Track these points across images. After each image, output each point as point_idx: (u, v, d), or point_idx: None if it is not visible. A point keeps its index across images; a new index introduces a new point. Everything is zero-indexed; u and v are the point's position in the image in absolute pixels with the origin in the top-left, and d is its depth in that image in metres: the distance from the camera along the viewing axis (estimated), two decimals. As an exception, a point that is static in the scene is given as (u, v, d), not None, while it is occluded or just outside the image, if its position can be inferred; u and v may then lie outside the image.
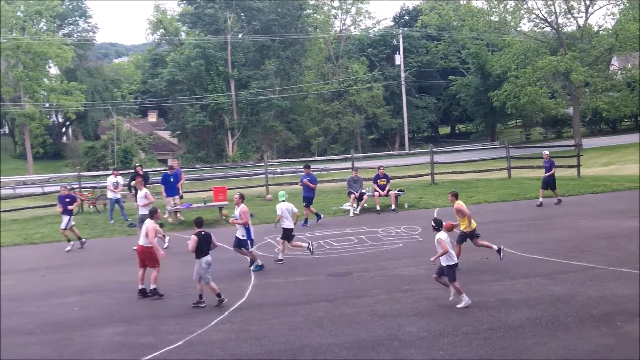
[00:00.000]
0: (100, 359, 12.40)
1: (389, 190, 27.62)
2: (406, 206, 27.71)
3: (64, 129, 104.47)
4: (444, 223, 14.98)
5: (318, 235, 22.45)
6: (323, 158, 61.82)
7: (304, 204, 25.47)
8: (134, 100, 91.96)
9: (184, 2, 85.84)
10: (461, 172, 35.94)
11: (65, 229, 23.20)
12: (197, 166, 57.36)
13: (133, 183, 28.71)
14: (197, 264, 15.22)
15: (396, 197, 27.68)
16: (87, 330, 14.06)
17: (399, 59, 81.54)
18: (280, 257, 19.62)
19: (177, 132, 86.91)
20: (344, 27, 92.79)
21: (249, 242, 18.18)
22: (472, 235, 17.50)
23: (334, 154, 75.47)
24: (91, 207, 32.62)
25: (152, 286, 16.18)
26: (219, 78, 79.15)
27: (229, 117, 79.51)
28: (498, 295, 14.64)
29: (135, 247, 16.77)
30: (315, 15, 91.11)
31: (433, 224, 14.80)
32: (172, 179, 27.16)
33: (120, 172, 30.61)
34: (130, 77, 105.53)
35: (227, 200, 26.59)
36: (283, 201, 19.91)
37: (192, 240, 15.17)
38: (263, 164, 36.52)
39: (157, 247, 16.34)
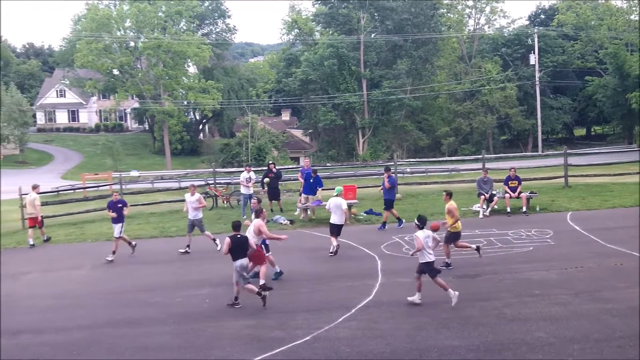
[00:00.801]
0: (229, 351, 12.79)
1: (520, 192, 27.01)
2: (537, 209, 27.01)
3: (200, 126, 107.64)
4: (428, 222, 15.32)
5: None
6: (453, 158, 61.19)
7: (384, 207, 25.22)
8: (268, 99, 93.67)
9: (319, 2, 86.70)
10: (595, 175, 34.69)
11: (119, 237, 22.10)
12: (328, 164, 57.90)
13: (266, 180, 29.34)
14: (233, 267, 15.39)
15: (527, 199, 27.04)
16: (217, 322, 14.52)
17: (533, 58, 79.51)
18: (331, 249, 20.23)
19: (309, 131, 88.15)
20: (477, 26, 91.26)
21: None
22: (457, 236, 18.23)
23: (464, 154, 74.52)
24: (225, 202, 33.47)
25: (261, 281, 16.51)
26: (351, 77, 79.63)
27: (360, 116, 79.85)
28: (630, 303, 14.11)
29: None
30: (448, 14, 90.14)
31: (417, 222, 15.20)
32: (311, 180, 27.51)
33: (253, 169, 31.27)
34: (265, 76, 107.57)
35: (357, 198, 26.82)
36: (336, 196, 20.40)
37: (226, 243, 15.35)
38: (393, 163, 36.48)
39: (274, 236, 17.15)
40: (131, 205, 32.45)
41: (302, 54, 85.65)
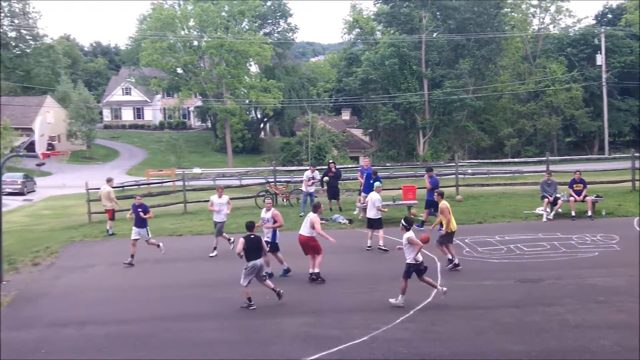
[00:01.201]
0: (287, 348, 12.83)
1: (585, 196, 26.45)
2: (603, 213, 26.42)
3: (261, 125, 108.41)
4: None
5: (508, 239, 21.90)
6: (516, 160, 60.34)
7: (425, 208, 24.94)
8: (329, 98, 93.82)
9: (380, 1, 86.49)
10: (665, 179, 33.83)
11: (149, 240, 21.66)
12: (388, 164, 57.70)
13: (325, 179, 29.36)
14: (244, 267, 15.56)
15: (593, 203, 26.46)
16: (276, 318, 14.63)
17: (600, 59, 77.82)
18: (369, 243, 21.10)
19: (370, 130, 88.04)
20: (542, 26, 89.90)
21: (270, 245, 18.02)
22: (451, 236, 18.50)
23: (527, 156, 73.40)
24: (285, 200, 33.61)
25: (316, 270, 16.96)
26: (412, 77, 79.26)
27: (421, 116, 79.43)
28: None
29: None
30: (512, 13, 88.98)
31: (404, 223, 15.43)
32: (371, 181, 27.35)
33: (316, 168, 31.31)
34: (325, 75, 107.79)
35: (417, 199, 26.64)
36: (373, 191, 21.25)
37: (240, 243, 15.50)
38: (454, 164, 36.12)
39: (325, 235, 17.42)
40: (193, 202, 33.09)
41: (363, 53, 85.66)
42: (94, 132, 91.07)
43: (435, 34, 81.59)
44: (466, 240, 21.77)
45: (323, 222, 20.15)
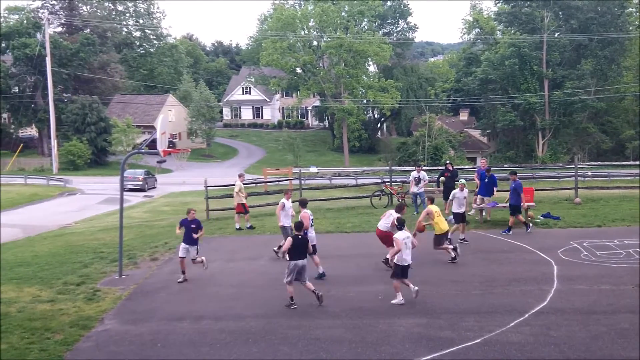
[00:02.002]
0: (399, 348, 12.97)
1: None
2: None
3: (378, 125, 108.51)
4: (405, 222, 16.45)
5: (628, 244, 21.25)
6: (638, 163, 58.20)
7: (510, 213, 24.35)
8: (447, 99, 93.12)
9: (501, 1, 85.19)
10: None
11: (195, 259, 19.15)
12: (505, 165, 56.78)
13: (442, 179, 29.20)
14: (288, 266, 15.75)
15: None
16: (389, 318, 14.73)
17: None
18: (461, 236, 22.45)
19: (487, 131, 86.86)
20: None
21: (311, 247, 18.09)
22: (441, 238, 19.59)
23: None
24: (400, 200, 33.65)
25: (388, 256, 17.08)
26: (533, 77, 77.83)
27: (541, 117, 77.87)
28: None
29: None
30: (637, 13, 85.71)
31: (396, 223, 16.40)
32: (486, 180, 27.09)
33: (427, 168, 31.20)
34: (444, 75, 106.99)
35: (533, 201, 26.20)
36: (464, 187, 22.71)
37: (287, 242, 15.73)
38: (573, 166, 35.27)
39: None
40: (310, 201, 33.52)
41: (482, 53, 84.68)
42: (214, 130, 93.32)
43: (557, 34, 79.72)
44: (584, 244, 21.31)
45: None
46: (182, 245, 18.99)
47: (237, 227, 27.65)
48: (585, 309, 14.80)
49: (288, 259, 15.82)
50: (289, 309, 15.54)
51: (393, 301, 15.76)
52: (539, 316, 14.50)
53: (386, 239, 18.57)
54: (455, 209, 22.53)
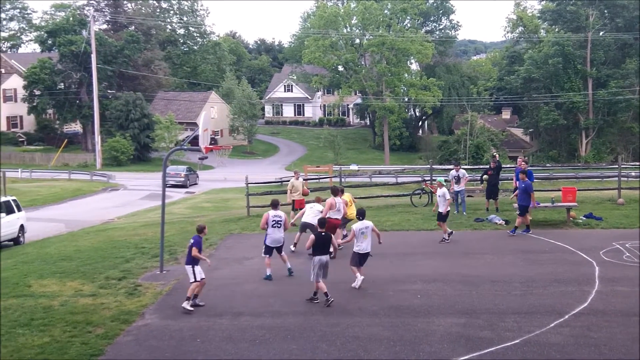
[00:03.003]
0: (437, 347, 12.95)
1: None
2: None
3: (420, 123, 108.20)
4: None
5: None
6: (684, 163, 57.19)
7: (517, 213, 23.93)
8: (489, 97, 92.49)
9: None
10: None
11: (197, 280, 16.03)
12: (548, 165, 56.30)
13: (485, 177, 28.91)
14: (312, 262, 16.03)
15: None
16: (427, 317, 14.69)
17: None
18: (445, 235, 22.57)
19: (530, 130, 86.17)
20: None
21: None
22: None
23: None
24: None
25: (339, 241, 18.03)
26: (576, 76, 77.07)
27: (584, 116, 77.02)
28: None
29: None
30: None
31: (356, 215, 17.60)
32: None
33: (468, 167, 30.89)
34: (486, 74, 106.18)
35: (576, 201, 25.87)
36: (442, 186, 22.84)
37: (310, 239, 15.88)
38: (616, 166, 34.74)
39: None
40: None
41: (525, 51, 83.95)
42: (256, 127, 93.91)
43: (602, 33, 78.72)
44: (627, 245, 21.01)
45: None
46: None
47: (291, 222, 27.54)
48: (626, 311, 14.62)
49: (312, 255, 16.03)
50: (325, 307, 15.56)
51: (353, 284, 16.83)
52: (579, 317, 14.36)
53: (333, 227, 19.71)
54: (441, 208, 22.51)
